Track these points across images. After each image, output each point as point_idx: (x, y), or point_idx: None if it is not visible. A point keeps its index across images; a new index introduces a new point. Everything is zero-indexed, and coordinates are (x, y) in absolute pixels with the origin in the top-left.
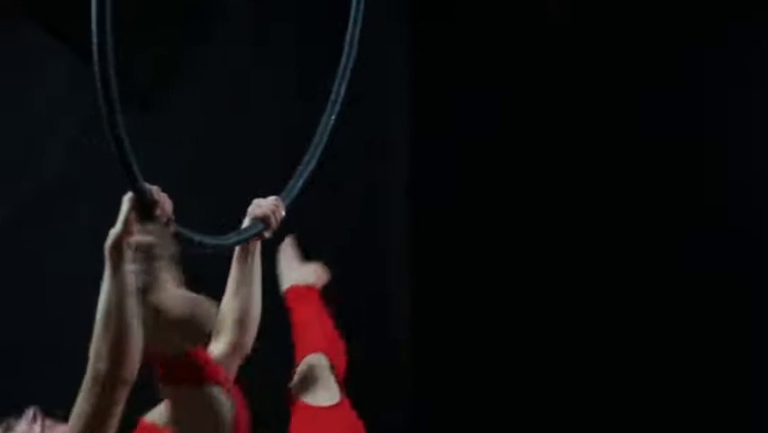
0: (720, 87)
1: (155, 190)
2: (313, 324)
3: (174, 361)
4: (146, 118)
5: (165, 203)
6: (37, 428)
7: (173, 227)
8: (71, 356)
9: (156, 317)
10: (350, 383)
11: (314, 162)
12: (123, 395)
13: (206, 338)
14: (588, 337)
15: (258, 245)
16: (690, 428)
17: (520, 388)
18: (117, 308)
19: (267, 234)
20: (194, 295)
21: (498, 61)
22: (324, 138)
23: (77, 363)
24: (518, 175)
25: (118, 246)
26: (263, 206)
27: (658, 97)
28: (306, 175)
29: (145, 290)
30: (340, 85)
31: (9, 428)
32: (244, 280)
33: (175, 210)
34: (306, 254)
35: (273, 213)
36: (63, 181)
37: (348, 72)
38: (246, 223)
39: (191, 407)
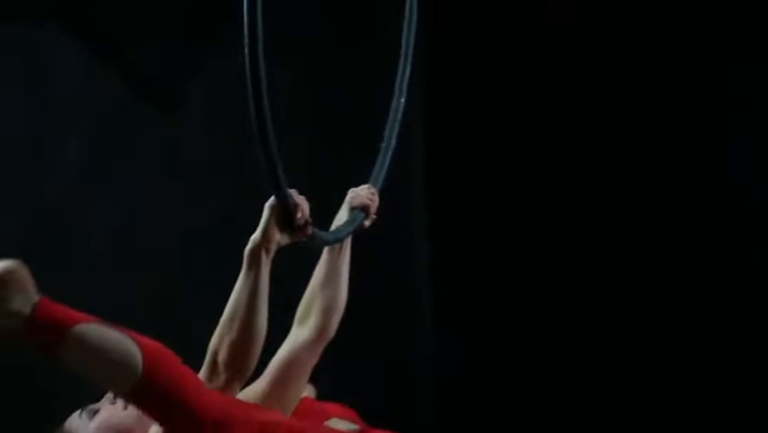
0: (723, 83)
1: (294, 194)
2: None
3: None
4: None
5: (304, 207)
6: (119, 403)
7: (310, 230)
8: None
9: None
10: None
11: (392, 146)
12: (236, 389)
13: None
14: (614, 346)
15: (349, 236)
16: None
17: (547, 408)
18: (246, 310)
19: (367, 223)
20: None
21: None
22: (398, 120)
23: None
24: (535, 190)
25: (256, 252)
26: (361, 195)
27: (664, 93)
28: (388, 161)
29: None
30: (404, 67)
31: (93, 410)
32: (335, 270)
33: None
34: None
35: (371, 201)
36: (81, 181)
37: (411, 53)
38: (344, 213)
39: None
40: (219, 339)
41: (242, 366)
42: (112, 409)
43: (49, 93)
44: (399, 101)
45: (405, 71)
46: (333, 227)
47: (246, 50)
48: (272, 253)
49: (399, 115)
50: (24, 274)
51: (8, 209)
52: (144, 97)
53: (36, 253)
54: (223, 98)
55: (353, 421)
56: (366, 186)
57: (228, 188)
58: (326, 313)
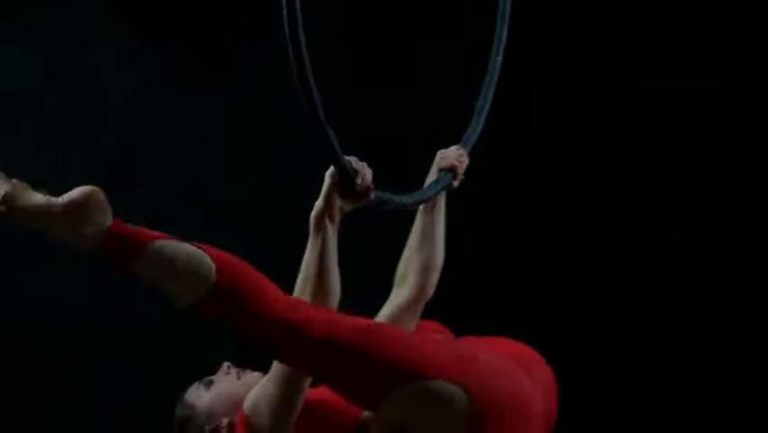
0: None
1: (354, 161)
2: None
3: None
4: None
5: (365, 173)
6: (233, 373)
7: (372, 195)
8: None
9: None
10: None
11: (487, 107)
12: None
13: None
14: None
15: (443, 196)
16: None
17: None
18: (316, 274)
19: (455, 184)
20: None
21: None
22: (494, 80)
23: (148, 338)
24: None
25: (320, 219)
26: (449, 156)
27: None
28: (481, 121)
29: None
30: (501, 28)
31: (209, 381)
32: (430, 230)
33: None
34: None
35: (459, 162)
36: (119, 158)
37: (508, 14)
38: (433, 175)
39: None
40: None
41: None
42: (226, 380)
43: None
44: (496, 59)
45: (502, 32)
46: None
47: (285, 13)
48: (337, 219)
49: (496, 76)
50: (102, 197)
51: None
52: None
53: None
54: (271, 74)
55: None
56: (455, 147)
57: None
58: (424, 272)
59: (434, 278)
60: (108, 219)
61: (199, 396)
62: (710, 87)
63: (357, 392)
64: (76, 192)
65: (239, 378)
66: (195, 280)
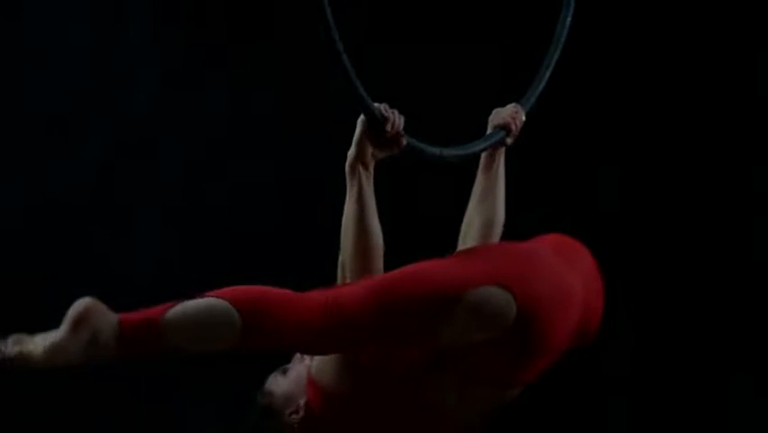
0: None
1: (384, 108)
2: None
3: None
4: None
5: (395, 119)
6: (306, 359)
7: (404, 141)
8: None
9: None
10: None
11: (551, 66)
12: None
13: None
14: None
15: (502, 153)
16: None
17: None
18: (355, 222)
19: (509, 141)
20: None
21: None
22: (562, 40)
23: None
24: None
25: (354, 167)
26: (503, 113)
27: None
28: (544, 80)
29: None
30: None
31: (285, 369)
32: (490, 188)
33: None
34: None
35: (513, 119)
36: (147, 131)
37: None
38: (488, 131)
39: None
40: (341, 257)
41: (369, 275)
42: (299, 366)
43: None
44: (566, 20)
45: None
46: None
47: None
48: (371, 167)
49: (563, 38)
50: (96, 303)
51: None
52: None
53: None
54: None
55: None
56: (512, 105)
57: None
58: (486, 228)
59: (496, 233)
60: (113, 318)
61: (277, 383)
62: None
63: (414, 340)
64: (71, 313)
65: (311, 362)
66: (222, 330)
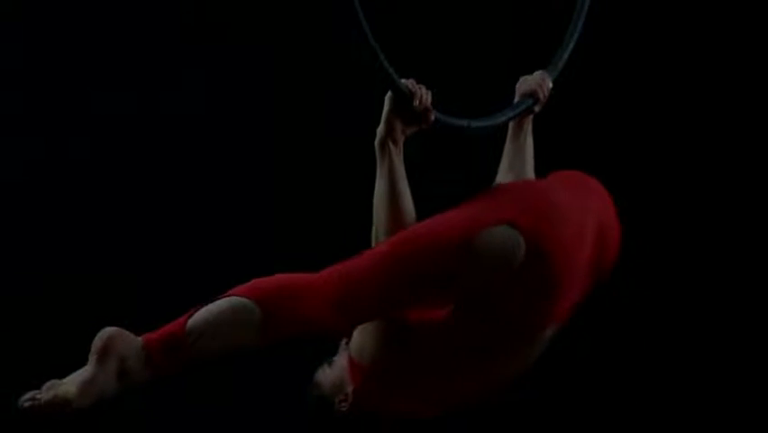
0: None
1: (411, 83)
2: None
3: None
4: None
5: (422, 94)
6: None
7: (432, 116)
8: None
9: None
10: None
11: (576, 34)
12: None
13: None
14: None
15: (530, 122)
16: None
17: None
18: (387, 198)
19: (537, 109)
20: None
21: None
22: (586, 7)
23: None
24: None
25: (384, 143)
26: (530, 81)
27: None
28: (570, 48)
29: None
30: None
31: (331, 361)
32: (519, 156)
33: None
34: None
35: (540, 87)
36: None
37: None
38: (516, 100)
39: None
40: (375, 232)
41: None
42: (343, 353)
43: None
44: None
45: None
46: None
47: None
48: (401, 143)
49: (587, 4)
50: (119, 332)
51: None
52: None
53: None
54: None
55: None
56: (539, 72)
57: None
58: None
59: None
60: (137, 341)
61: (324, 374)
62: None
63: (434, 295)
64: (94, 346)
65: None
66: (244, 324)
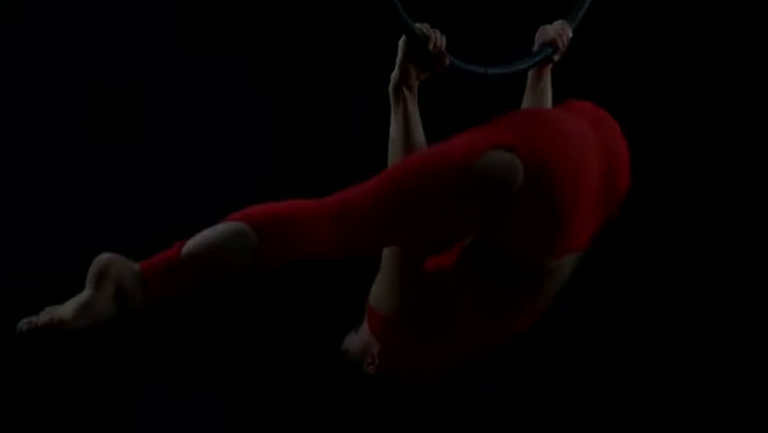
0: None
1: (425, 27)
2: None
3: None
4: None
5: (437, 38)
6: None
7: (447, 60)
8: None
9: None
10: None
11: None
12: None
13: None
14: None
15: (548, 71)
16: None
17: None
18: (400, 140)
19: (556, 58)
20: None
21: None
22: None
23: None
24: None
25: (398, 88)
26: (549, 30)
27: None
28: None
29: None
30: None
31: (358, 326)
32: (538, 106)
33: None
34: None
35: (560, 36)
36: None
37: None
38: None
39: None
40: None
41: None
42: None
43: None
44: None
45: None
46: None
47: None
48: (415, 88)
49: None
50: (116, 257)
51: None
52: None
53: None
54: None
55: None
56: (559, 21)
57: None
58: None
59: None
60: (134, 265)
61: (351, 340)
62: None
63: (436, 224)
64: (92, 270)
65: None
66: (240, 249)
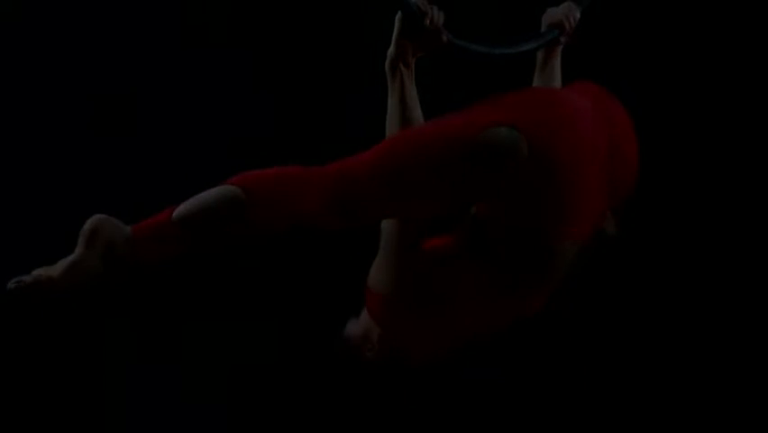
0: None
1: (421, 2)
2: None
3: None
4: None
5: (434, 14)
6: None
7: (445, 38)
8: None
9: None
10: None
11: None
12: None
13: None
14: None
15: (558, 53)
16: None
17: None
18: (398, 117)
19: (563, 40)
20: None
21: None
22: None
23: None
24: None
25: (394, 65)
26: (556, 12)
27: None
28: None
29: None
30: None
31: (357, 314)
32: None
33: None
34: None
35: (567, 18)
36: None
37: None
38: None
39: None
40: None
41: None
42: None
43: None
44: None
45: None
46: None
47: None
48: (412, 65)
49: None
50: (108, 219)
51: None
52: None
53: None
54: None
55: None
56: (567, 2)
57: None
58: None
59: None
60: (125, 227)
61: (351, 327)
62: None
63: (437, 200)
64: (84, 230)
65: None
66: (232, 213)
